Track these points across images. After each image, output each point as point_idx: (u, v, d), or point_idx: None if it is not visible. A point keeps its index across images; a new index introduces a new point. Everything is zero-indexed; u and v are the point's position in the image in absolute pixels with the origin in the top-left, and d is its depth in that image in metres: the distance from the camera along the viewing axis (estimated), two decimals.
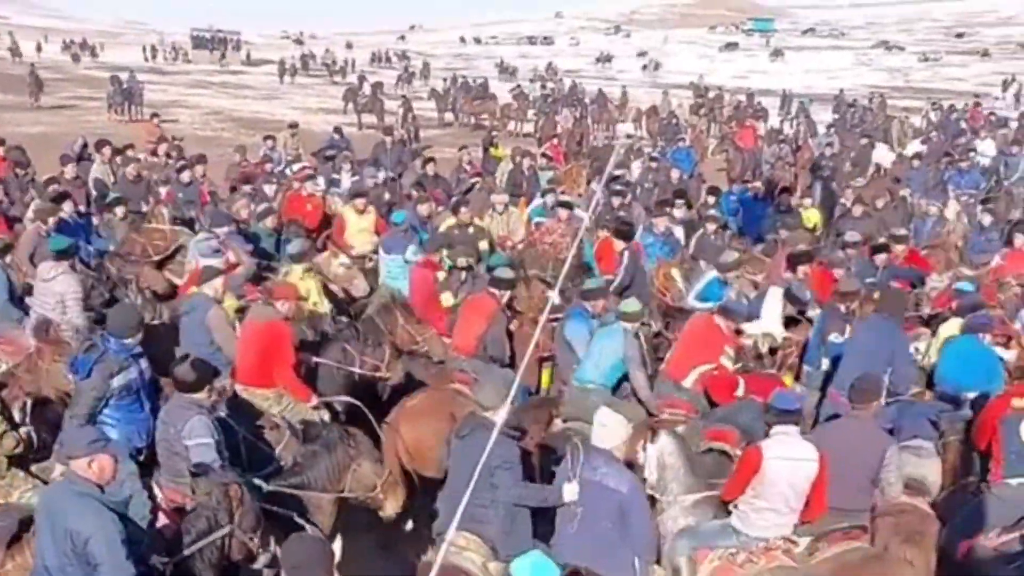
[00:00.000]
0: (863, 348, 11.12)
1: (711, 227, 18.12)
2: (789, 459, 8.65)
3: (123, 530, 6.96)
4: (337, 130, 32.45)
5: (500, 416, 8.13)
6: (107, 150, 21.33)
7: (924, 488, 9.68)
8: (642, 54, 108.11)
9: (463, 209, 17.63)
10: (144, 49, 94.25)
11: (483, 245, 17.04)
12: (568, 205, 18.73)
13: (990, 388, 10.82)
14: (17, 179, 19.87)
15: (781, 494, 8.66)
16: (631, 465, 8.48)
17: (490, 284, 12.95)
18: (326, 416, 11.02)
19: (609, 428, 8.12)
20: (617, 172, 25.90)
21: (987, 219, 19.82)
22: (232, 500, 7.91)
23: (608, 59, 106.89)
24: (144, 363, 9.58)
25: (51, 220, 14.78)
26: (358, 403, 11.26)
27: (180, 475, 8.55)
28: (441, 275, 14.81)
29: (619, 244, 15.68)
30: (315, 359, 11.80)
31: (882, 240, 17.33)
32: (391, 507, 9.58)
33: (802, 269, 14.59)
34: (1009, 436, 9.15)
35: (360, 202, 17.87)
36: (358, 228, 17.35)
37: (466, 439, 8.49)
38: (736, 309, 12.27)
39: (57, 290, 12.26)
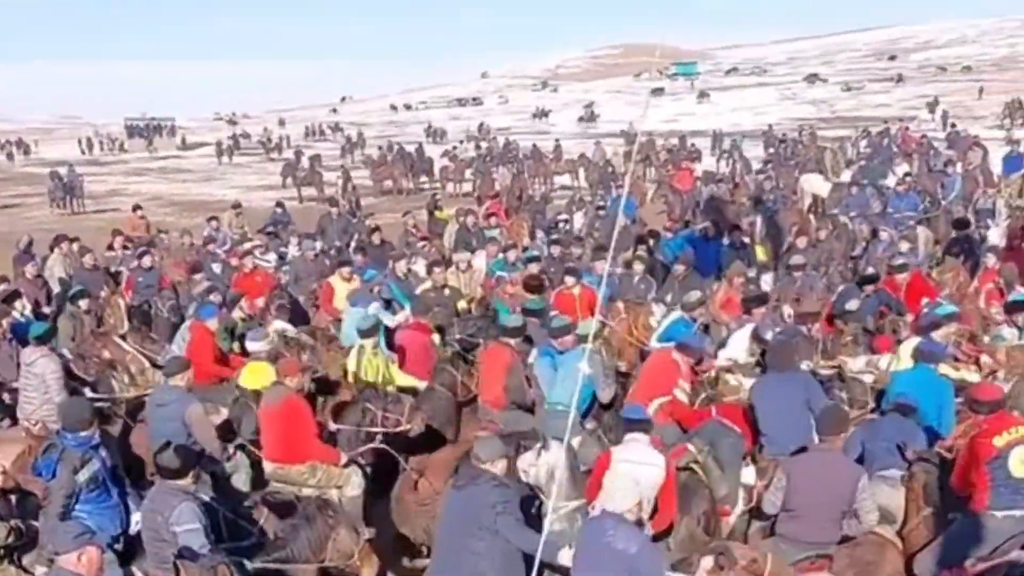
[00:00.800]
0: (777, 408, 11.06)
1: (638, 268, 18.54)
2: (635, 462, 9.37)
3: None
4: (279, 204, 32.71)
5: (498, 469, 8.53)
6: (65, 244, 21.54)
7: (889, 516, 9.73)
8: (588, 105, 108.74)
9: (436, 270, 18.22)
10: (80, 142, 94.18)
11: (461, 304, 17.83)
12: (537, 259, 19.46)
13: (939, 422, 11.07)
14: None
15: None
16: (640, 523, 8.54)
17: (502, 334, 13.40)
18: (359, 475, 11.40)
19: (620, 491, 8.08)
20: (560, 218, 26.37)
21: (904, 245, 20.45)
22: None
23: (545, 114, 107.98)
24: (104, 452, 9.62)
25: (5, 321, 15.00)
26: (389, 449, 11.88)
27: (167, 562, 8.58)
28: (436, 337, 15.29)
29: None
30: (335, 425, 12.18)
31: (871, 271, 18.15)
32: (367, 574, 9.73)
33: (758, 312, 14.88)
34: (996, 472, 9.24)
35: (346, 271, 18.40)
36: (345, 295, 17.65)
37: (462, 489, 8.61)
38: (693, 344, 12.62)
39: (37, 372, 12.79)
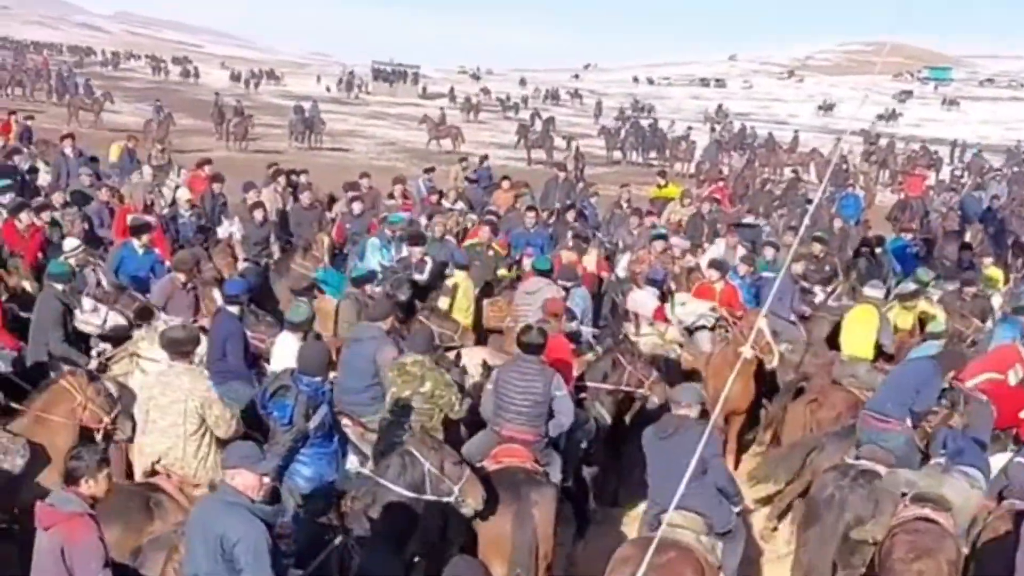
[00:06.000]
0: (897, 380, 11.33)
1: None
2: None
3: (269, 540, 7.20)
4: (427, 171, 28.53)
5: (694, 413, 9.25)
6: (283, 179, 22.12)
7: (947, 506, 9.62)
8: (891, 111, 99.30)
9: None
10: (318, 79, 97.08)
11: None
12: (663, 237, 19.26)
13: None
14: (213, 197, 20.63)
15: None
16: None
17: None
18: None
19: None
20: (747, 221, 25.63)
21: None
22: None
23: (830, 107, 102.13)
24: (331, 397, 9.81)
25: (193, 270, 14.33)
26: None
27: (538, 418, 10.27)
28: None
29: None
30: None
31: None
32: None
33: None
34: None
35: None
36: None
37: (671, 438, 9.12)
38: None
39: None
